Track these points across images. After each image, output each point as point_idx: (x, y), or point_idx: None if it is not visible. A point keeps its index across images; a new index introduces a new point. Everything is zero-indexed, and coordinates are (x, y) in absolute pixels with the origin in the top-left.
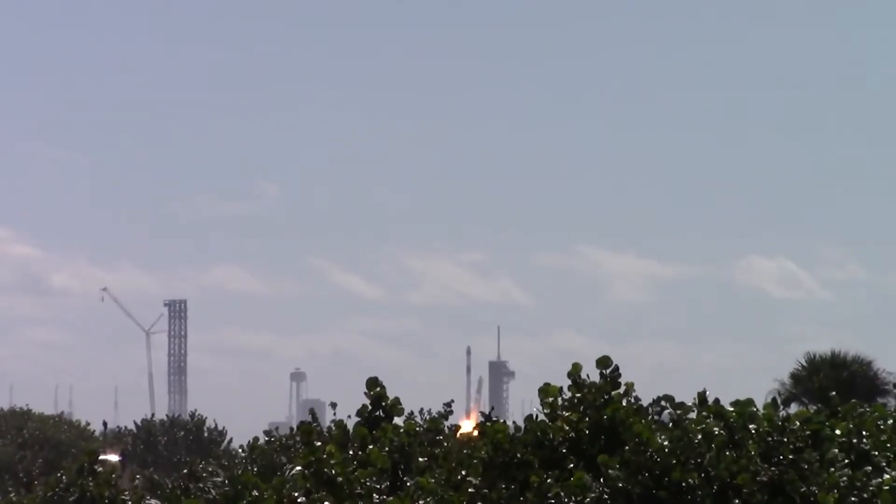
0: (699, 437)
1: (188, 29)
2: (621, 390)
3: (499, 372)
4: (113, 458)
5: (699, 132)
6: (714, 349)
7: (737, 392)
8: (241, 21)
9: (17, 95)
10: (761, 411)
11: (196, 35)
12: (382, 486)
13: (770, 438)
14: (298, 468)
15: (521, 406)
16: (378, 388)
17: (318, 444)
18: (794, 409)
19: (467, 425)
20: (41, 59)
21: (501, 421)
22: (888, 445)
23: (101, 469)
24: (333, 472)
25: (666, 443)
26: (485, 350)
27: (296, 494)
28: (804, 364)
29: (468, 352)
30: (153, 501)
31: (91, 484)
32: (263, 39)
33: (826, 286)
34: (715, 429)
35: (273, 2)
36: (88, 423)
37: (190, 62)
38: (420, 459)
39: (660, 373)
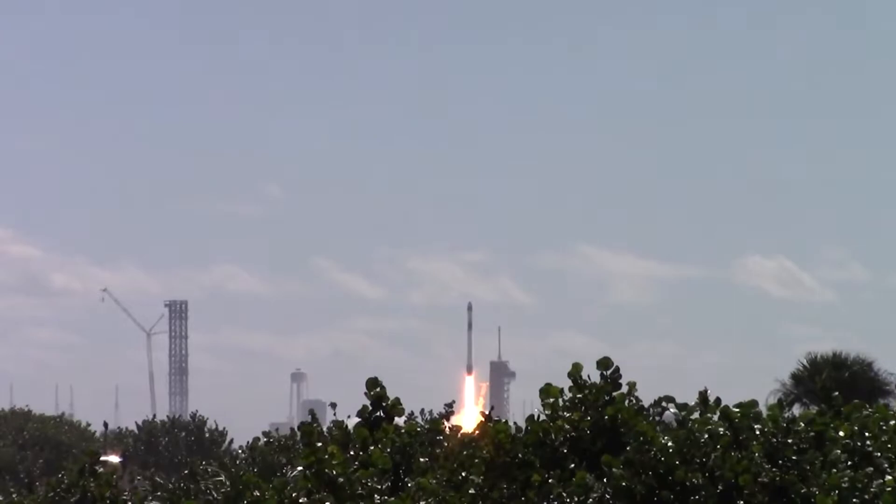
0: (705, 437)
1: (190, 29)
2: (623, 390)
3: (499, 372)
4: (114, 458)
5: (699, 132)
6: (714, 349)
7: (737, 392)
8: (243, 20)
9: (18, 95)
10: (766, 412)
11: (197, 35)
12: (384, 487)
13: (775, 440)
14: (300, 468)
15: (522, 406)
16: (378, 389)
17: (320, 444)
18: (795, 409)
19: (469, 383)
20: (41, 59)
21: (502, 421)
22: (889, 447)
23: (101, 470)
24: (335, 472)
25: (669, 442)
26: (485, 350)
27: (296, 495)
28: (805, 364)
29: (469, 308)
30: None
31: (92, 485)
32: (265, 39)
33: (827, 286)
34: (720, 429)
35: (275, 2)
36: (89, 424)
37: (191, 62)
38: (421, 460)
39: (659, 373)
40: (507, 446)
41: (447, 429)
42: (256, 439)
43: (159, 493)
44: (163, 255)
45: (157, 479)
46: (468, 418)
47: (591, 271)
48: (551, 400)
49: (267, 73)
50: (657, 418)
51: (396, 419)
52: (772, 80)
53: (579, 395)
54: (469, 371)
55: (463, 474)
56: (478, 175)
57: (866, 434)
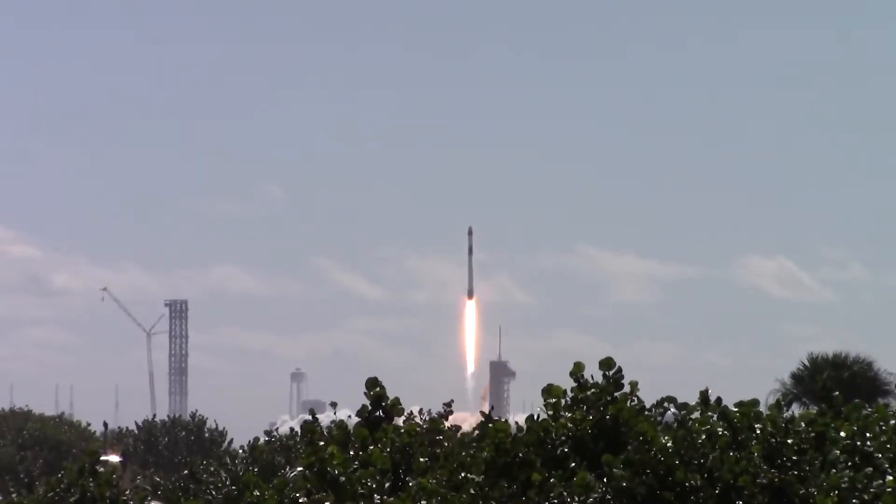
0: (703, 437)
1: (189, 28)
2: (626, 390)
3: (499, 372)
4: (114, 458)
5: (699, 131)
6: (714, 349)
7: (737, 392)
8: (241, 19)
9: (17, 94)
10: (766, 412)
11: (197, 34)
12: (385, 487)
13: (774, 440)
14: (300, 468)
15: (522, 406)
16: (378, 389)
17: (321, 444)
18: (795, 409)
19: (470, 307)
20: (41, 58)
21: (503, 420)
22: (888, 447)
23: (101, 470)
24: (336, 472)
25: (669, 443)
26: (486, 350)
27: (297, 495)
28: (806, 364)
29: (469, 232)
30: (156, 503)
31: (92, 484)
32: (264, 37)
33: (827, 286)
34: (719, 429)
35: (275, 2)
36: (89, 424)
37: (191, 61)
38: (421, 460)
39: (660, 373)
40: (506, 446)
41: (446, 428)
42: (256, 439)
43: (160, 493)
44: (163, 255)
45: (157, 479)
46: (468, 346)
47: (592, 271)
48: (553, 400)
49: (267, 73)
50: (659, 419)
51: (396, 419)
52: (772, 81)
53: (581, 395)
54: (470, 296)
55: (463, 474)
56: (478, 175)
57: (866, 434)
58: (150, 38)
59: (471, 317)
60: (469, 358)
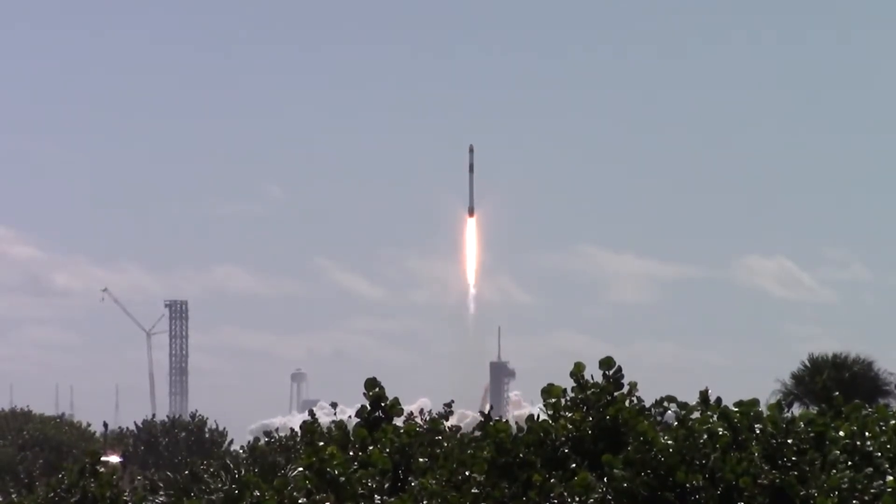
0: (704, 437)
1: (189, 28)
2: (625, 390)
3: (499, 372)
4: (114, 459)
5: (699, 131)
6: (714, 349)
7: (737, 392)
8: (242, 19)
9: (17, 94)
10: (766, 412)
11: (197, 34)
12: (384, 487)
13: (774, 440)
14: (300, 469)
15: (523, 405)
16: (377, 389)
17: (321, 444)
18: (796, 409)
19: (471, 225)
20: (41, 58)
21: (504, 420)
22: (888, 447)
23: (102, 470)
24: (336, 472)
25: (670, 442)
26: (485, 350)
27: (297, 495)
28: (807, 364)
29: (471, 150)
30: (159, 502)
31: (93, 485)
32: (264, 38)
33: (828, 286)
34: (720, 429)
35: (275, 2)
36: (89, 424)
37: (191, 61)
38: (420, 460)
39: (660, 373)
40: (507, 446)
41: (447, 429)
42: (256, 439)
43: (163, 491)
44: (163, 255)
45: (167, 475)
46: (469, 264)
47: (592, 271)
48: (553, 400)
49: (267, 73)
50: (659, 418)
51: (395, 419)
52: (772, 81)
53: (581, 395)
54: (471, 213)
55: (466, 473)
56: (478, 174)
57: (866, 434)
58: (149, 38)
59: (471, 234)
60: (469, 277)
